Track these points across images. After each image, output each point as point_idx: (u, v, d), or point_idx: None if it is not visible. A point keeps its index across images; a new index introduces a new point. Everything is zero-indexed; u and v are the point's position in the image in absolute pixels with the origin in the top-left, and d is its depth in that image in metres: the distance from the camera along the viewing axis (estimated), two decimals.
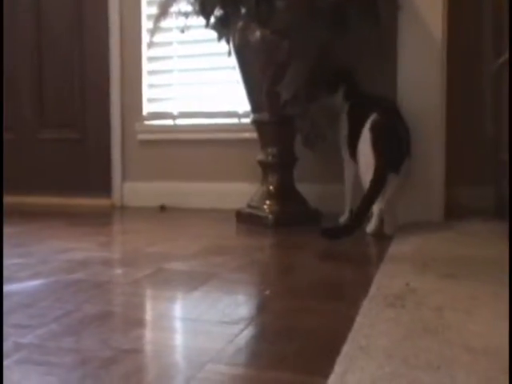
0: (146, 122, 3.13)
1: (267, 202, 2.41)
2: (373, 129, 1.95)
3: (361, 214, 1.82)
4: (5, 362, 0.85)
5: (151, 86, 3.14)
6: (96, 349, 0.91)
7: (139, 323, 1.07)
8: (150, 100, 3.14)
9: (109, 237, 2.17)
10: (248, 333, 1.00)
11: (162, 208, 2.03)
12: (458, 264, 1.47)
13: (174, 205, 2.98)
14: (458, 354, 0.85)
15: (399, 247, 1.74)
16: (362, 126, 2.01)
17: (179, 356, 0.92)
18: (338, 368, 0.80)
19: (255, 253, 1.79)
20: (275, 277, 1.51)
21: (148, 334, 1.02)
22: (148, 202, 3.07)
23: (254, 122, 2.48)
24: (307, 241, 2.04)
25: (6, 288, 1.30)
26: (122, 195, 3.15)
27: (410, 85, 2.28)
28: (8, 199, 3.24)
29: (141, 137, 3.13)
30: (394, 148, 1.92)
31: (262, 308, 1.18)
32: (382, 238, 1.96)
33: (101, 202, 3.15)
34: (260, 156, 2.47)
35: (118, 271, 1.51)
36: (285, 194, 2.44)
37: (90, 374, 0.82)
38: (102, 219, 2.70)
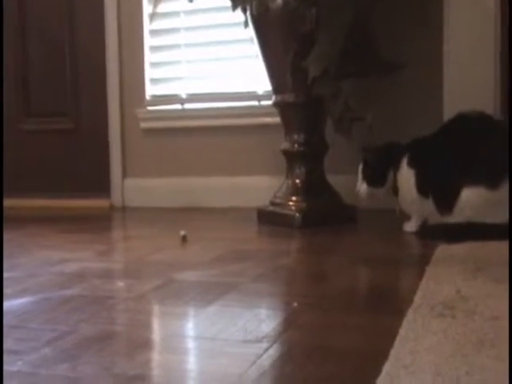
0: (150, 108, 3.16)
1: (293, 198, 2.43)
2: None
3: (466, 233, 1.88)
4: None
5: (155, 64, 3.17)
6: (96, 376, 0.94)
7: (146, 345, 1.09)
8: (153, 81, 3.17)
9: (108, 244, 2.21)
10: (273, 353, 1.02)
11: (184, 239, 2.03)
12: None
13: (185, 204, 3.01)
14: None
15: (448, 249, 1.74)
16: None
17: (194, 382, 0.94)
18: None
19: (280, 258, 1.81)
20: (304, 286, 1.53)
21: (157, 358, 1.05)
22: (153, 201, 3.10)
23: (277, 104, 2.49)
24: (341, 243, 2.05)
25: None
26: (123, 194, 3.19)
27: (457, 55, 2.27)
28: None
29: (144, 125, 3.17)
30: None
31: (289, 323, 1.20)
32: (427, 238, 1.97)
33: (98, 202, 3.20)
34: (284, 144, 2.49)
35: (120, 284, 1.53)
36: (314, 188, 2.45)
37: None
38: (99, 223, 2.73)
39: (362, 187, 2.17)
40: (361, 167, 2.19)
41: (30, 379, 0.93)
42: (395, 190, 2.12)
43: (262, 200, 2.57)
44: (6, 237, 2.31)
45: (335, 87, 2.27)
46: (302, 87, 2.33)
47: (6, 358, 1.02)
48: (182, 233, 2.07)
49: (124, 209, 3.14)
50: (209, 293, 1.41)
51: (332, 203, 2.44)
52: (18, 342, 1.10)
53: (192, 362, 1.03)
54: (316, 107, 2.39)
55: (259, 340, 1.07)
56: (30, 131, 3.40)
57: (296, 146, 2.45)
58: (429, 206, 2.02)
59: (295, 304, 1.30)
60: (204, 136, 3.06)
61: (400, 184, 2.10)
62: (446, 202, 1.97)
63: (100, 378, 0.93)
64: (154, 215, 2.86)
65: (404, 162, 2.08)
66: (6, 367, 0.98)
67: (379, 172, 2.14)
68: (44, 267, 1.74)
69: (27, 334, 1.14)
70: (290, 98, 2.41)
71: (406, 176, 2.07)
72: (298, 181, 2.46)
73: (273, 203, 2.49)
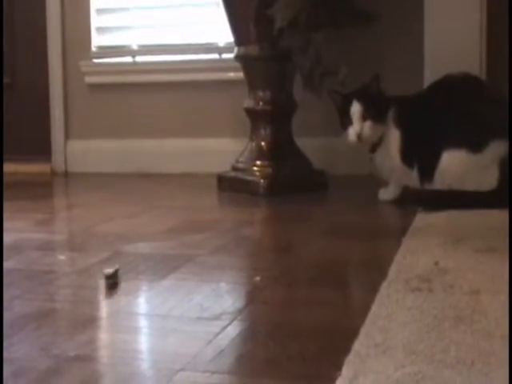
0: (96, 61, 3.12)
1: (258, 162, 2.43)
2: None
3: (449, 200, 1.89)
4: None
5: (101, 11, 3.11)
6: (33, 357, 0.93)
7: (90, 323, 1.09)
8: (99, 30, 3.12)
9: (49, 213, 2.19)
10: (232, 331, 1.02)
11: (111, 280, 1.30)
12: (498, 236, 1.49)
13: (136, 170, 2.99)
14: (497, 348, 0.87)
15: (426, 218, 1.77)
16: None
17: (143, 363, 0.94)
18: (347, 371, 0.83)
19: (243, 229, 1.81)
20: (268, 259, 1.54)
21: (101, 337, 1.05)
22: (100, 166, 3.07)
23: (240, 57, 2.47)
24: (310, 212, 2.06)
25: None
26: (66, 158, 3.15)
27: (440, 2, 2.28)
28: None
29: (89, 80, 3.12)
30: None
31: (251, 299, 1.20)
32: (404, 206, 1.99)
33: (38, 167, 3.15)
34: (248, 102, 2.48)
35: (62, 257, 1.53)
36: (281, 151, 2.45)
37: None
38: (39, 190, 2.70)
39: (365, 125, 2.06)
40: (357, 106, 2.09)
41: None
42: (374, 146, 2.09)
43: (222, 165, 2.56)
44: None
45: (304, 39, 2.26)
46: (268, 38, 2.31)
47: None
48: (108, 271, 1.31)
49: (67, 174, 3.10)
50: (162, 266, 1.40)
51: (300, 168, 2.45)
52: None
53: (141, 342, 1.03)
54: (283, 61, 2.38)
55: (217, 317, 1.08)
56: None
57: (261, 104, 2.45)
58: (411, 175, 2.03)
59: (258, 278, 1.31)
60: (158, 93, 3.03)
61: (381, 142, 2.08)
62: (428, 168, 1.98)
63: (37, 359, 0.92)
64: (101, 182, 2.83)
65: (390, 117, 2.07)
66: None
67: (383, 106, 2.08)
68: None
69: None
70: (253, 50, 2.40)
71: (391, 136, 2.06)
72: (263, 143, 2.46)
73: (235, 168, 2.48)
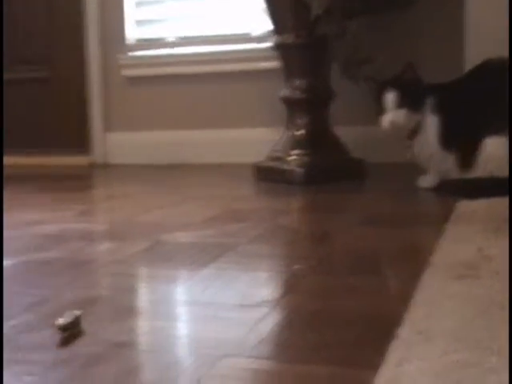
0: (133, 53, 3.13)
1: (294, 151, 2.42)
2: None
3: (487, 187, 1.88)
4: None
5: (139, 3, 3.13)
6: (80, 344, 0.94)
7: (133, 310, 1.10)
8: (137, 23, 3.13)
9: (90, 204, 2.21)
10: (273, 318, 1.02)
11: (65, 330, 0.98)
12: None
13: (173, 161, 3.00)
14: None
15: (469, 205, 1.75)
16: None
17: (185, 350, 0.95)
18: (392, 357, 0.82)
19: (280, 218, 1.81)
20: (306, 247, 1.53)
21: (145, 324, 1.05)
22: (138, 158, 3.09)
23: (277, 46, 2.47)
24: (348, 201, 2.05)
25: None
26: (105, 150, 3.18)
27: None
28: None
29: (126, 73, 3.14)
30: None
31: (290, 287, 1.20)
32: (446, 194, 1.97)
33: (77, 159, 3.19)
34: (284, 91, 2.47)
35: (104, 247, 1.54)
36: (317, 140, 2.44)
37: (74, 374, 0.85)
38: (80, 181, 2.73)
39: (400, 113, 2.05)
40: (392, 94, 2.06)
41: (12, 345, 0.93)
42: (412, 133, 2.07)
43: (258, 155, 2.56)
44: None
45: (341, 26, 2.25)
46: (304, 26, 2.30)
47: None
48: (61, 321, 0.98)
49: (106, 166, 3.13)
50: (202, 255, 1.41)
51: (337, 157, 2.44)
52: None
53: (183, 328, 1.03)
54: (320, 49, 2.37)
55: (258, 305, 1.08)
56: None
57: (297, 92, 2.44)
58: (450, 160, 2.01)
59: (296, 266, 1.31)
60: (195, 84, 3.04)
61: (420, 129, 2.06)
62: (468, 155, 1.96)
63: (84, 346, 0.93)
64: (139, 173, 2.85)
65: (428, 105, 2.05)
66: None
67: (419, 93, 2.07)
68: (23, 228, 1.74)
69: (7, 298, 1.15)
70: (290, 38, 2.39)
71: (430, 123, 2.05)
72: (299, 132, 2.45)
73: (271, 158, 2.48)
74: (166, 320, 1.04)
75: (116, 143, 3.17)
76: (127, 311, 1.08)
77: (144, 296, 1.23)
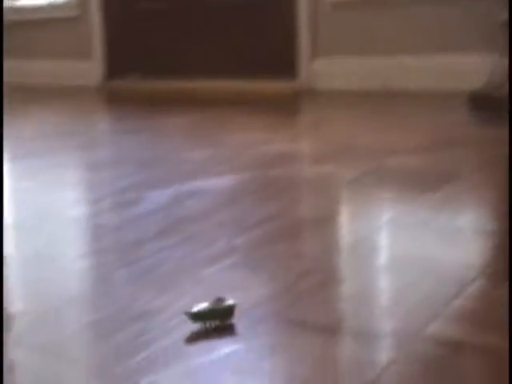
0: None
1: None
2: None
3: None
4: (217, 265, 0.94)
5: None
6: (317, 254, 0.97)
7: (361, 230, 1.11)
8: None
9: (300, 128, 2.24)
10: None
11: None
12: None
13: (381, 87, 2.96)
14: None
15: None
16: None
17: (431, 270, 0.94)
18: None
19: (499, 147, 1.74)
20: None
21: (382, 244, 1.06)
22: (344, 83, 3.08)
23: None
24: None
25: (199, 184, 1.42)
26: (311, 76, 3.19)
27: None
28: (173, 84, 3.45)
29: None
30: None
31: None
32: None
33: (283, 85, 3.23)
34: (505, 15, 2.33)
35: (326, 168, 1.56)
36: None
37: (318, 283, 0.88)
38: (288, 106, 2.78)
39: None
40: None
41: (250, 255, 0.98)
42: None
43: (471, 82, 2.46)
44: (195, 118, 2.42)
45: None
46: None
47: (229, 231, 1.08)
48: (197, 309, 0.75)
49: (311, 92, 3.15)
50: (428, 180, 1.39)
51: None
52: (234, 218, 1.16)
53: (421, 250, 1.03)
54: None
55: (494, 234, 1.05)
56: (212, 3, 3.46)
57: None
58: None
59: None
60: (405, 7, 2.95)
61: None
62: None
63: (322, 254, 0.96)
64: (345, 99, 2.84)
65: None
66: (231, 240, 1.04)
67: None
68: (243, 148, 1.81)
69: (241, 211, 1.20)
70: None
71: None
72: None
73: (486, 85, 2.37)
74: (406, 239, 1.05)
75: (322, 69, 3.18)
76: (355, 230, 1.09)
77: (374, 217, 1.23)
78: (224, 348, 0.71)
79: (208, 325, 0.74)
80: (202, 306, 0.74)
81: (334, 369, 0.65)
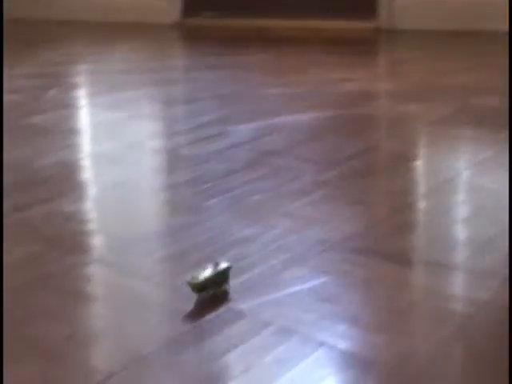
0: None
1: None
2: None
3: None
4: (305, 199, 0.94)
5: None
6: (409, 191, 0.96)
7: (454, 167, 1.09)
8: None
9: (383, 67, 2.19)
10: None
11: None
12: None
13: (461, 27, 2.87)
14: None
15: None
16: None
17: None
18: None
19: None
20: None
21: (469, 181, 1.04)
22: (425, 23, 2.99)
23: None
24: None
25: (281, 119, 1.41)
26: (391, 15, 3.11)
27: None
28: (249, 23, 3.41)
29: None
30: None
31: None
32: None
33: (362, 24, 3.16)
34: None
35: (412, 107, 1.52)
36: None
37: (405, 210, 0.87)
38: (368, 46, 2.72)
39: None
40: None
41: (338, 190, 0.97)
42: None
43: None
44: (269, 56, 2.39)
45: None
46: None
47: (313, 167, 1.07)
48: (198, 276, 0.70)
49: (391, 31, 3.07)
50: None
51: None
52: (318, 153, 1.16)
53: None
54: None
55: None
56: None
57: None
58: None
59: None
60: None
61: None
62: None
63: (413, 191, 0.95)
64: (424, 38, 2.76)
65: None
66: (316, 177, 1.03)
67: None
68: (324, 86, 1.78)
69: (326, 147, 1.19)
70: None
71: None
72: None
73: None
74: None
75: (403, 8, 3.09)
76: (439, 170, 1.07)
77: (462, 155, 1.20)
78: (315, 279, 0.71)
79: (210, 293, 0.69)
80: (201, 274, 0.69)
81: (430, 303, 0.65)
